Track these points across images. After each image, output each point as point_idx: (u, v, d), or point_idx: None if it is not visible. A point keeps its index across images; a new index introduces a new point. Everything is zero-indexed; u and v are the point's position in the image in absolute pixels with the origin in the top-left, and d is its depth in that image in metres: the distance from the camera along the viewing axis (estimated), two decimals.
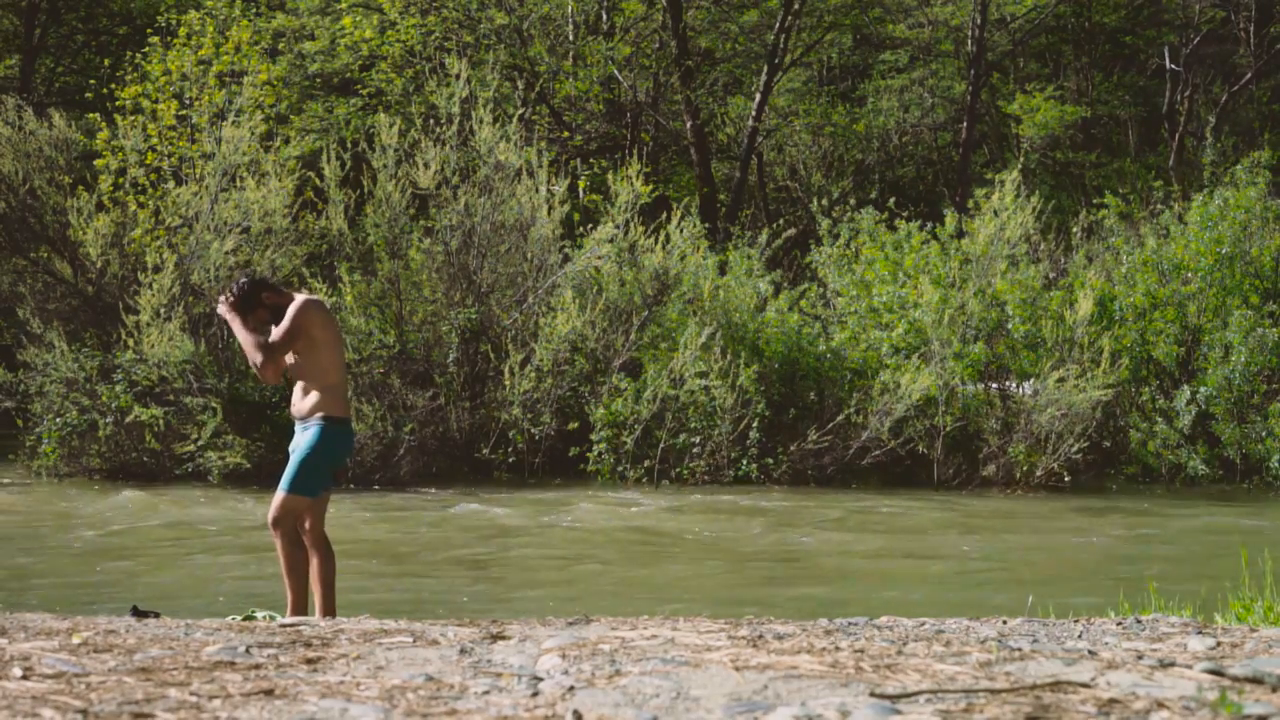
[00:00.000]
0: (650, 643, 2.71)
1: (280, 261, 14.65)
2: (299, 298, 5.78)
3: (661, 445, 13.83)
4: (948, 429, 14.10)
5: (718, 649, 2.60)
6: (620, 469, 13.88)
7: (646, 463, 13.85)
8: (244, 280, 5.77)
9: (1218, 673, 2.28)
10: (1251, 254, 15.42)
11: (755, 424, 13.82)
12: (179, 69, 16.04)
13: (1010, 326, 14.80)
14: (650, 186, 16.50)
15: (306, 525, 5.79)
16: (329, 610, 5.72)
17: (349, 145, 15.57)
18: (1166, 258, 15.55)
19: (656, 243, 15.20)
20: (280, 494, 5.73)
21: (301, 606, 5.82)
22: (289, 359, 5.81)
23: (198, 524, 10.80)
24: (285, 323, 5.65)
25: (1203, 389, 14.55)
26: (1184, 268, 15.42)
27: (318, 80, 23.29)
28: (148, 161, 15.23)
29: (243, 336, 5.68)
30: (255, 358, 5.64)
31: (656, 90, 24.58)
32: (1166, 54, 27.27)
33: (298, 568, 5.79)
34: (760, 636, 2.84)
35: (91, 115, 16.67)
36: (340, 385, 5.82)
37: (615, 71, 23.72)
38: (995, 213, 15.35)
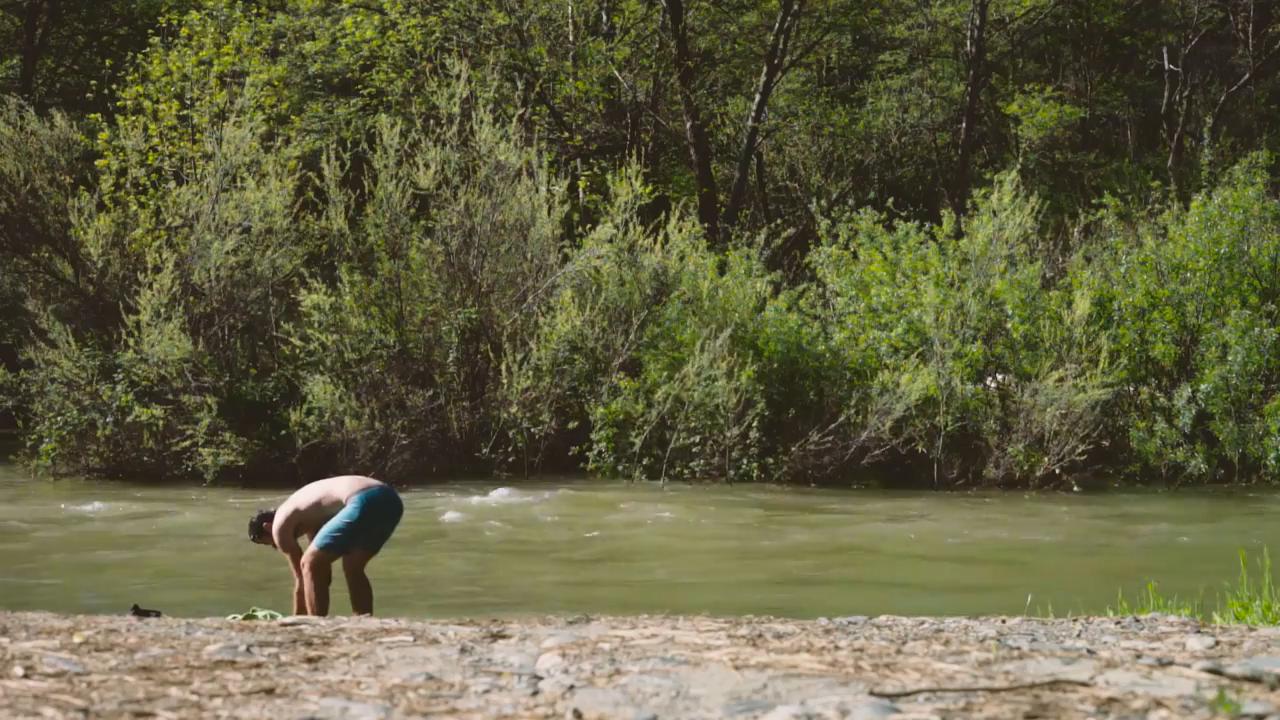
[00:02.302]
0: (650, 642, 2.72)
1: (280, 261, 14.66)
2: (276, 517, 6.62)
3: (671, 445, 13.81)
4: (948, 429, 14.10)
5: (717, 648, 2.61)
6: (620, 468, 13.88)
7: (646, 461, 13.85)
8: (253, 518, 6.72)
9: (1216, 671, 2.28)
10: (1250, 254, 15.41)
11: (755, 423, 13.82)
12: (180, 69, 16.04)
13: (1009, 326, 14.80)
14: (650, 187, 16.50)
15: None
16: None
17: (349, 146, 15.57)
18: (1166, 257, 15.55)
19: (656, 243, 15.20)
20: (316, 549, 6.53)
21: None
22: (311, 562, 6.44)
23: (197, 522, 10.81)
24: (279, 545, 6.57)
25: (1202, 387, 14.54)
26: (1184, 267, 15.42)
27: (318, 81, 23.29)
28: (149, 162, 15.24)
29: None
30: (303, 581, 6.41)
31: (656, 91, 24.58)
32: (1165, 54, 27.26)
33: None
34: (760, 635, 2.85)
35: (93, 115, 16.63)
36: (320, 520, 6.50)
37: (615, 72, 23.72)
38: (994, 213, 15.35)
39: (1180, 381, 15.02)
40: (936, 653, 2.57)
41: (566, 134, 23.07)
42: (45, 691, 2.11)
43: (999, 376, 14.65)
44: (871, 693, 2.13)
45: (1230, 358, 14.42)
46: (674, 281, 15.01)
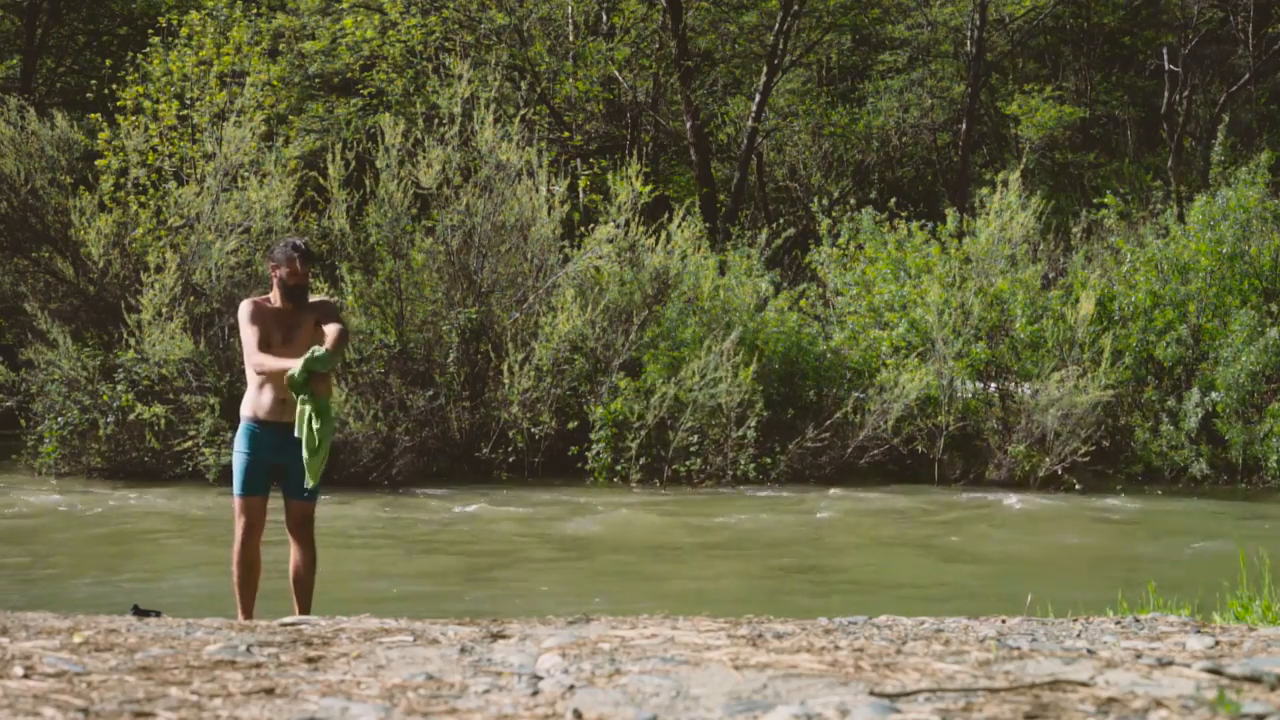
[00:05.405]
0: (650, 642, 2.72)
1: None
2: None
3: (674, 446, 13.79)
4: (949, 428, 14.10)
5: (717, 648, 2.61)
6: (619, 468, 13.88)
7: (642, 460, 13.83)
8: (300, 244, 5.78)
9: (1216, 671, 2.28)
10: (1250, 253, 15.41)
11: (754, 423, 13.81)
12: (180, 69, 16.04)
13: (1016, 326, 14.78)
14: (650, 186, 16.51)
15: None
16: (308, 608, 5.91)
17: (351, 145, 15.57)
18: (1167, 256, 15.55)
19: (657, 243, 15.20)
20: (311, 502, 5.79)
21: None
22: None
23: (198, 523, 10.81)
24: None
25: (1213, 394, 14.52)
26: (1187, 267, 15.42)
27: (318, 80, 23.29)
28: (149, 162, 15.23)
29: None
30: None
31: (656, 90, 24.59)
32: (1165, 54, 27.26)
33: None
34: (760, 635, 2.85)
35: (93, 115, 16.62)
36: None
37: (615, 72, 23.73)
38: (999, 212, 15.35)
39: (1182, 381, 15.02)
40: (936, 653, 2.57)
41: (566, 134, 23.07)
42: (45, 691, 2.11)
43: (993, 387, 14.67)
44: (871, 693, 2.13)
45: (1241, 359, 14.40)
46: (675, 281, 15.00)
